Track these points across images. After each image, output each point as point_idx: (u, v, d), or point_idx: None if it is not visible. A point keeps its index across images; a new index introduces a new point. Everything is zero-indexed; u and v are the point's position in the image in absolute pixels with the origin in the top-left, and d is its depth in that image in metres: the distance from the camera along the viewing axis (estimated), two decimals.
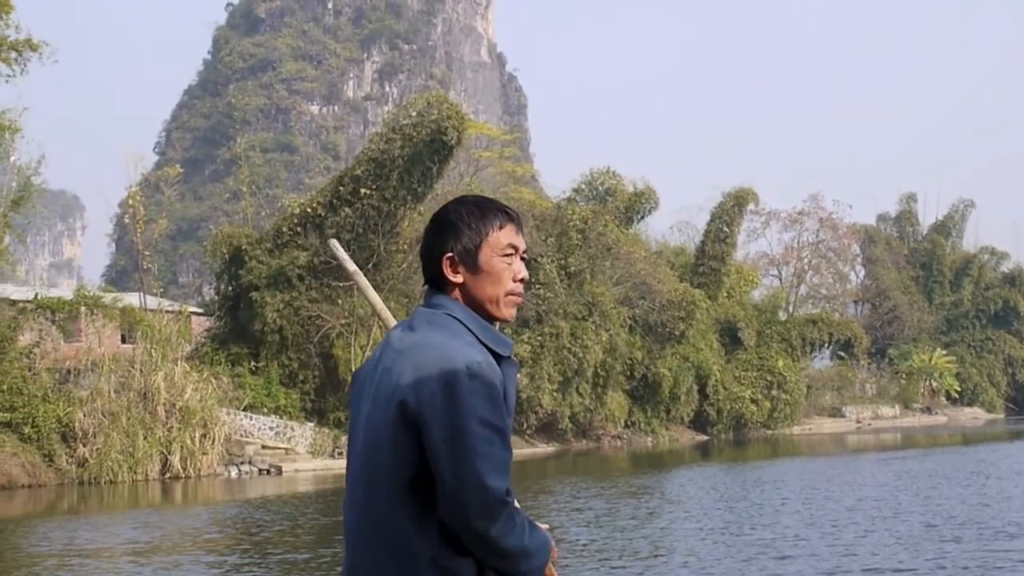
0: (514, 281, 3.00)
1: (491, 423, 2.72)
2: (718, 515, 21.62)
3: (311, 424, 42.30)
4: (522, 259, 3.05)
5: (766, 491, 26.93)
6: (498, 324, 3.05)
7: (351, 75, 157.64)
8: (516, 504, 2.79)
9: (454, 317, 2.90)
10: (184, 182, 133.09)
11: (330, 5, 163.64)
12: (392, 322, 3.24)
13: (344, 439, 39.79)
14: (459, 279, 2.95)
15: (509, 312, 3.00)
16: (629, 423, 58.97)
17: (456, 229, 2.97)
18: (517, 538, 2.75)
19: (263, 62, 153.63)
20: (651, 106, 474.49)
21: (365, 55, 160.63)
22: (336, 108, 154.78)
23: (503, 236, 2.99)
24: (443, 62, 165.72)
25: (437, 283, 2.99)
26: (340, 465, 37.59)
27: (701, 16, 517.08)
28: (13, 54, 35.85)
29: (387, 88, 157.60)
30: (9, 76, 36.10)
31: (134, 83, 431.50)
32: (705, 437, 62.97)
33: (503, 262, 2.97)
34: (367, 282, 3.68)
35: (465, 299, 2.96)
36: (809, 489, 27.12)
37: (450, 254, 2.95)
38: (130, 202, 56.40)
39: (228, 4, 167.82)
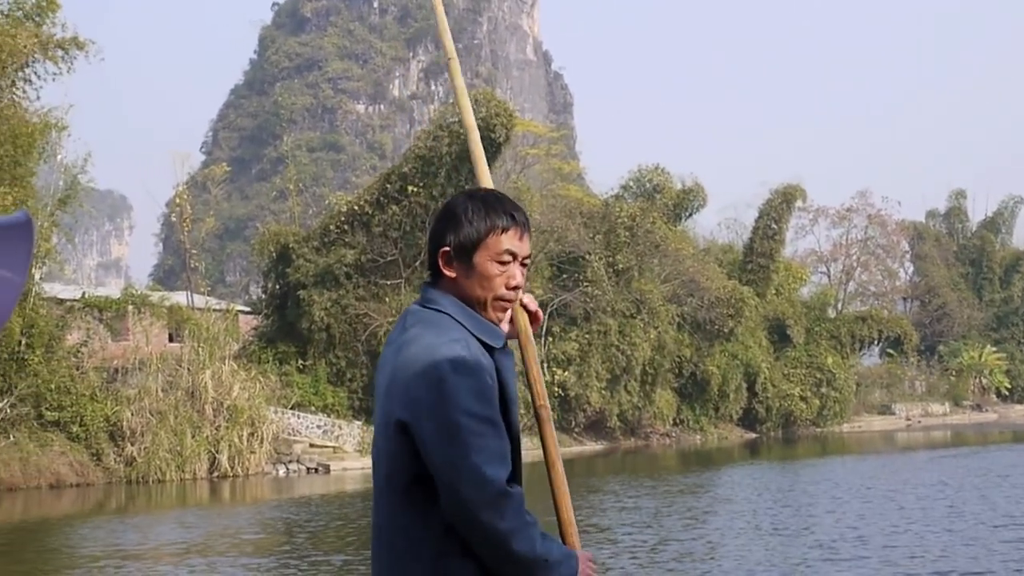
0: (507, 288, 2.93)
1: (479, 415, 2.68)
2: (772, 515, 21.23)
3: (359, 422, 42.13)
4: (523, 265, 2.98)
5: (820, 490, 26.49)
6: None
7: (397, 74, 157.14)
8: (525, 508, 2.74)
9: (444, 312, 2.86)
10: (231, 181, 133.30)
11: (376, 4, 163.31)
12: (469, 112, 3.53)
13: None
14: (452, 274, 2.91)
15: (496, 316, 2.94)
16: (678, 421, 58.76)
17: (458, 223, 2.91)
18: (528, 540, 2.70)
19: (309, 61, 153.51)
20: (698, 102, 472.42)
21: (411, 54, 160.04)
22: (382, 107, 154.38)
23: (504, 240, 2.91)
24: (489, 60, 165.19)
25: (434, 275, 2.96)
26: None
27: (747, 13, 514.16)
28: (60, 52, 35.79)
29: (433, 87, 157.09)
30: (56, 74, 36.12)
31: (181, 83, 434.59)
32: (754, 435, 62.53)
33: (497, 267, 2.91)
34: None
35: (456, 294, 2.91)
36: (864, 488, 26.64)
37: (447, 248, 2.91)
38: (177, 201, 56.53)
39: (274, 4, 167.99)
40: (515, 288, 2.93)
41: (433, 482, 2.72)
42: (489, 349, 2.84)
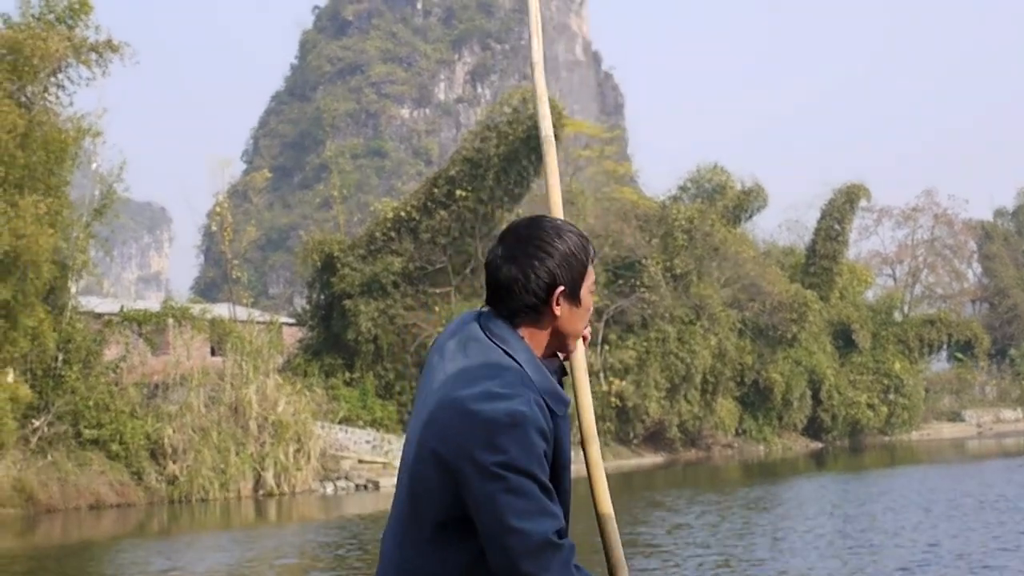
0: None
1: (528, 472, 2.53)
2: (848, 532, 19.38)
3: None
4: None
5: (897, 504, 24.52)
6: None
7: (442, 77, 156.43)
8: (575, 563, 2.60)
9: (514, 358, 2.67)
10: (273, 190, 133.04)
11: (419, 5, 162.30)
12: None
13: None
14: (559, 313, 2.74)
15: (574, 347, 2.85)
16: (740, 431, 58.28)
17: (564, 258, 2.74)
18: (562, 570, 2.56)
19: (351, 65, 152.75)
20: (755, 102, 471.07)
21: (456, 56, 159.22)
22: (427, 111, 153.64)
23: (593, 270, 2.86)
24: None
25: (521, 315, 2.73)
26: None
27: (806, 7, 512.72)
28: (93, 56, 35.26)
29: (479, 89, 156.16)
30: (89, 79, 35.56)
31: (221, 91, 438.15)
32: (819, 444, 61.91)
33: (591, 297, 2.84)
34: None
35: (552, 334, 2.76)
36: (945, 501, 24.49)
37: (562, 287, 2.72)
38: (218, 210, 55.95)
39: (315, 7, 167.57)
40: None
41: (464, 524, 2.61)
42: (551, 413, 2.64)
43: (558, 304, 2.71)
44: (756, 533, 19.89)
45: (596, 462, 2.96)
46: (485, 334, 2.71)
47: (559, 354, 2.84)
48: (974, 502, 24.29)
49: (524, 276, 2.69)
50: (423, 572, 2.66)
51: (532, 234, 2.75)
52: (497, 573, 2.58)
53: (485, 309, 2.79)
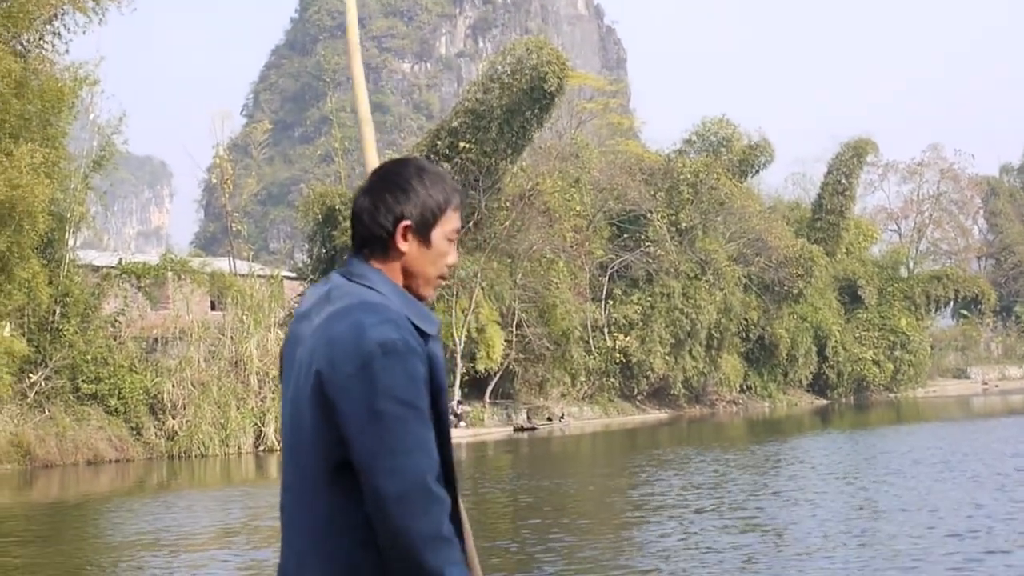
0: (447, 266, 2.89)
1: (403, 400, 2.57)
2: (872, 493, 18.42)
3: None
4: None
5: (917, 466, 23.63)
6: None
7: (443, 31, 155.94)
8: (446, 503, 2.57)
9: (375, 290, 2.75)
10: (273, 144, 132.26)
11: None
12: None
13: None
14: (405, 249, 2.81)
15: (432, 293, 2.91)
16: (745, 387, 58.07)
17: (417, 196, 2.81)
18: (442, 557, 2.54)
19: None
20: (760, 54, 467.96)
21: (457, 10, 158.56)
22: (428, 66, 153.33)
23: (455, 218, 2.88)
24: (538, 16, 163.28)
25: (371, 247, 2.82)
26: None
27: None
28: (90, 3, 34.40)
29: (480, 44, 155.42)
30: (87, 24, 34.73)
31: (223, 45, 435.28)
32: (825, 401, 61.77)
33: (448, 244, 2.86)
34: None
35: (402, 270, 2.82)
36: (966, 459, 23.74)
37: (408, 222, 2.79)
38: (217, 162, 55.14)
39: None
40: (451, 266, 2.91)
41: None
42: (423, 335, 2.70)
43: (404, 239, 2.76)
44: (775, 494, 18.86)
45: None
46: (344, 279, 2.76)
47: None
48: (996, 463, 23.42)
49: (373, 206, 2.77)
50: (334, 524, 2.63)
51: (394, 171, 2.83)
52: (371, 515, 2.56)
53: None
